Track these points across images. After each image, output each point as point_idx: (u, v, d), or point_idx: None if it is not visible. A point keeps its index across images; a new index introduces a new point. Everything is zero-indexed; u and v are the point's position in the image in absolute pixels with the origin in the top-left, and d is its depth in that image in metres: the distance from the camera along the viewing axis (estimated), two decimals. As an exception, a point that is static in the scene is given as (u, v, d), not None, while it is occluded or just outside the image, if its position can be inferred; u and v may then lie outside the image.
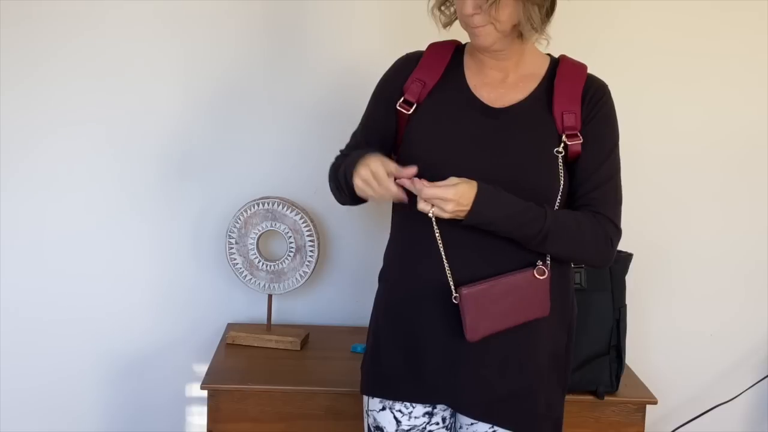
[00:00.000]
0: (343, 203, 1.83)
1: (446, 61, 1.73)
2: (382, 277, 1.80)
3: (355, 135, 1.86)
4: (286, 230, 2.33)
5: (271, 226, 2.33)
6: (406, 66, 1.76)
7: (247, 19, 2.38)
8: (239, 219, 2.33)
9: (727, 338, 2.57)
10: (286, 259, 2.34)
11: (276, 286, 2.36)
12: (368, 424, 1.80)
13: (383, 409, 1.76)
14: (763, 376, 2.55)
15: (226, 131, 2.43)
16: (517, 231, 1.60)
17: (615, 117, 1.71)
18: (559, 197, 1.64)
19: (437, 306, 1.66)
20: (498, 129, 1.66)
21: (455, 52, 1.75)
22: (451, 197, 1.55)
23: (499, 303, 1.62)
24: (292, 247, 2.34)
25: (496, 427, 1.70)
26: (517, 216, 1.59)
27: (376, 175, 1.59)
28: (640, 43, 2.43)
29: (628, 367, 2.25)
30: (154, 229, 2.45)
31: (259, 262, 2.35)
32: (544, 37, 1.66)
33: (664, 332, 2.56)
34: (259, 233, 2.34)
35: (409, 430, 1.74)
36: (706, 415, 2.48)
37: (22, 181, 2.40)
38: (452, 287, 1.63)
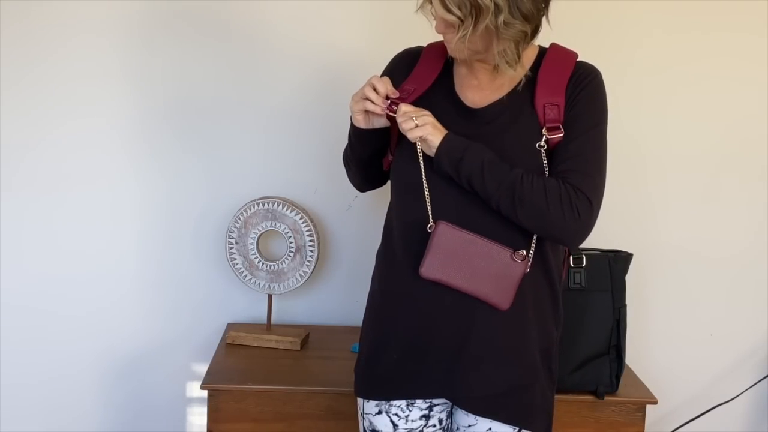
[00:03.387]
0: (357, 182, 1.89)
1: (440, 67, 1.72)
2: (374, 277, 1.80)
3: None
4: (286, 230, 2.33)
5: (271, 226, 2.33)
6: (403, 62, 1.76)
7: (245, 19, 2.38)
8: (239, 219, 2.33)
9: (727, 338, 2.57)
10: (286, 259, 2.34)
11: (276, 286, 2.36)
12: (364, 427, 1.79)
13: (379, 412, 1.75)
14: (763, 376, 2.55)
15: (226, 131, 2.43)
16: (486, 175, 1.58)
17: (600, 99, 1.66)
18: None
19: (433, 299, 1.66)
20: (479, 130, 1.65)
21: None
22: (426, 113, 1.60)
23: (465, 258, 1.60)
24: (292, 247, 2.34)
25: (492, 427, 1.70)
26: (485, 160, 1.58)
27: (377, 88, 1.64)
28: (642, 45, 2.43)
29: (628, 367, 2.25)
30: (154, 229, 2.45)
31: (259, 262, 2.35)
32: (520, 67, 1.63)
33: (664, 332, 2.56)
34: (259, 233, 2.34)
35: None
36: (706, 415, 2.48)
37: (23, 180, 2.40)
38: (431, 218, 1.64)
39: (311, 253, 2.33)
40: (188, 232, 2.46)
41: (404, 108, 1.62)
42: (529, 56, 1.69)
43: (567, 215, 1.58)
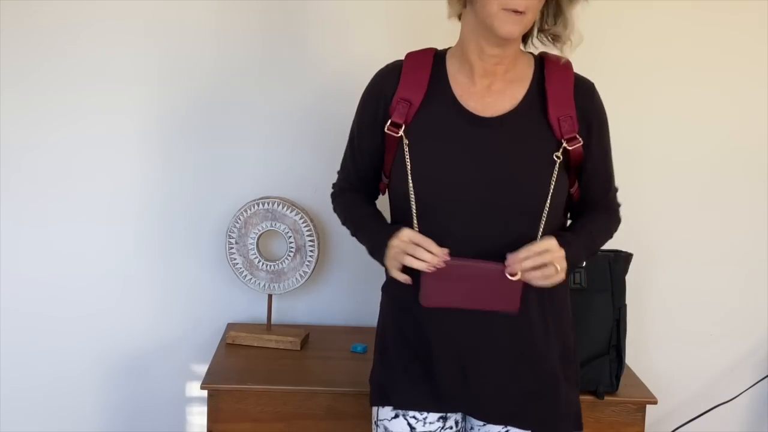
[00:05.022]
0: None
1: (428, 73, 1.68)
2: (385, 287, 1.79)
3: (344, 165, 1.84)
4: (286, 230, 2.33)
5: (271, 226, 2.33)
6: (386, 80, 1.72)
7: (246, 19, 2.38)
8: (239, 219, 2.33)
9: (727, 338, 2.57)
10: (286, 259, 2.34)
11: (276, 286, 2.36)
12: None
13: (396, 416, 1.73)
14: (763, 376, 2.55)
15: (226, 131, 2.43)
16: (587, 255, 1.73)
17: (606, 119, 1.73)
18: (548, 202, 1.62)
19: (445, 312, 1.64)
20: (491, 139, 1.64)
21: (434, 60, 1.70)
22: (547, 248, 1.59)
23: (462, 283, 1.59)
24: (292, 247, 2.34)
25: (509, 428, 1.69)
26: (587, 244, 1.71)
27: (426, 245, 1.59)
28: (641, 44, 2.43)
29: (628, 367, 2.25)
30: (154, 229, 2.45)
31: (259, 262, 2.35)
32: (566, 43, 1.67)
33: (664, 332, 2.56)
34: (259, 233, 2.34)
35: None
36: (706, 415, 2.48)
37: (22, 180, 2.40)
38: None
39: (311, 253, 2.33)
40: (188, 232, 2.46)
41: (525, 266, 1.58)
42: (527, 65, 1.69)
43: (615, 231, 1.82)
